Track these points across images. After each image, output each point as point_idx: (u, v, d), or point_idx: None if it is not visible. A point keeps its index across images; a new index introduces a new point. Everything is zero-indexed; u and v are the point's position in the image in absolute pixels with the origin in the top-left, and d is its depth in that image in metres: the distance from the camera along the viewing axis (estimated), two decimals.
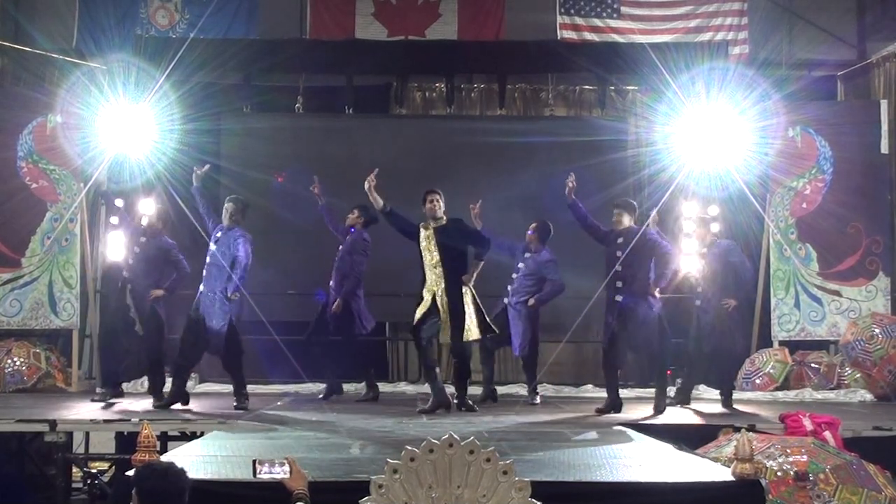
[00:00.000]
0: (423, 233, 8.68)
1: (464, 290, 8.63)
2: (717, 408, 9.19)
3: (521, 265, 9.62)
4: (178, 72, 10.14)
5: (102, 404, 8.88)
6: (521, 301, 9.52)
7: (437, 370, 8.86)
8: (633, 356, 9.28)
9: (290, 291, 11.17)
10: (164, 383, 9.07)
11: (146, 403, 8.95)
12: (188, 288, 9.13)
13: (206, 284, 8.74)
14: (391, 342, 12.12)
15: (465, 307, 8.61)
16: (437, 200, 8.69)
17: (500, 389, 10.15)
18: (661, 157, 11.09)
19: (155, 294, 8.92)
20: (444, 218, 8.72)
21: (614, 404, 8.85)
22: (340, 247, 9.65)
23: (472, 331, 8.64)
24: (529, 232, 9.68)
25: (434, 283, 8.58)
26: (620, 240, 8.78)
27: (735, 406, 9.29)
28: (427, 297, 8.58)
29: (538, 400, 9.62)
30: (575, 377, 11.38)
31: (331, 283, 9.59)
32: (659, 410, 8.80)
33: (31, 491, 9.41)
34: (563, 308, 10.16)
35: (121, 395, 9.24)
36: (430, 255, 8.61)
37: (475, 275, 8.80)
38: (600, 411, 8.76)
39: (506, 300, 9.62)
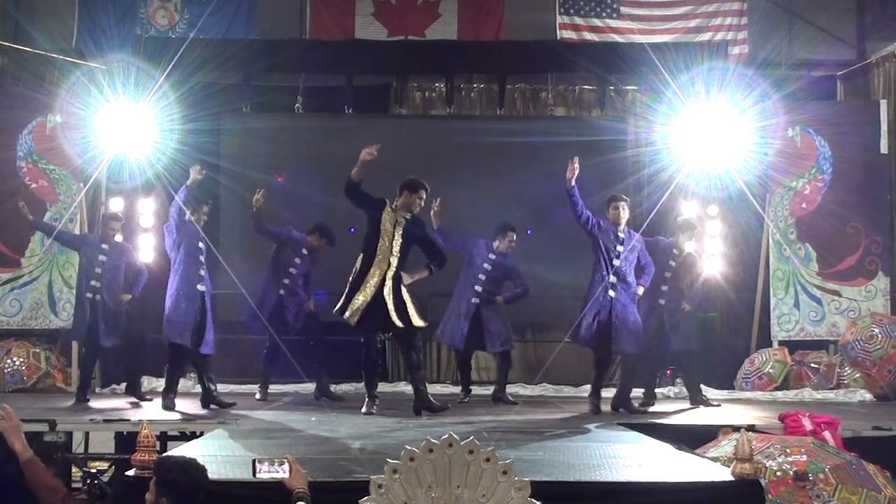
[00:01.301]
0: (388, 214, 8.28)
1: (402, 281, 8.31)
2: (717, 408, 9.18)
3: (486, 265, 9.54)
4: (177, 72, 10.15)
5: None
6: (491, 299, 9.51)
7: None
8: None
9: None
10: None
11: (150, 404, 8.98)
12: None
13: None
14: (391, 343, 12.10)
15: (405, 294, 8.28)
16: (421, 201, 8.38)
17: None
18: (660, 156, 11.11)
19: (124, 298, 9.20)
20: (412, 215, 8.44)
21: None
22: (298, 259, 9.60)
23: (415, 317, 8.26)
24: (513, 236, 9.59)
25: (385, 265, 8.16)
26: (628, 244, 8.71)
27: (734, 406, 9.28)
28: (372, 281, 8.13)
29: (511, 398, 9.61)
30: (575, 377, 11.37)
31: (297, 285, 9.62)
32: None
33: (31, 491, 9.40)
34: (564, 308, 10.16)
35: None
36: (392, 240, 8.21)
37: (412, 282, 8.48)
38: (644, 405, 8.89)
39: (474, 300, 9.52)
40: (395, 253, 8.22)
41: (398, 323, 8.12)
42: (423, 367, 8.62)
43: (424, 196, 8.39)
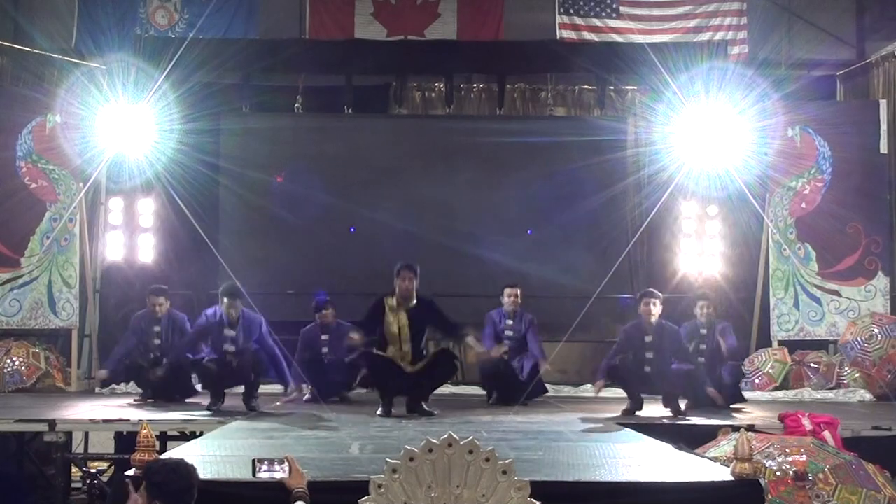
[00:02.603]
0: (390, 311, 8.26)
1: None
2: (717, 408, 9.16)
3: (508, 333, 9.52)
4: (177, 72, 10.14)
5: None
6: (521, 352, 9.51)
7: None
8: None
9: (289, 291, 11.17)
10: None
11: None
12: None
13: None
14: None
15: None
16: (413, 280, 8.28)
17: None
18: (660, 156, 11.11)
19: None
20: (415, 299, 8.34)
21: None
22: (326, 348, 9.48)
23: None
24: (513, 297, 9.53)
25: (399, 357, 8.27)
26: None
27: (734, 406, 9.25)
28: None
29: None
30: (575, 377, 11.38)
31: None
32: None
33: (31, 491, 9.41)
34: (564, 308, 10.16)
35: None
36: (399, 333, 8.24)
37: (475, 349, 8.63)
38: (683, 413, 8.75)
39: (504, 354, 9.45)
40: (402, 340, 8.25)
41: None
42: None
43: (410, 276, 8.26)
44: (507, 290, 9.59)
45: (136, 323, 9.40)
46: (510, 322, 9.55)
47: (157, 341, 9.25)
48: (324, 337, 9.53)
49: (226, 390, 8.68)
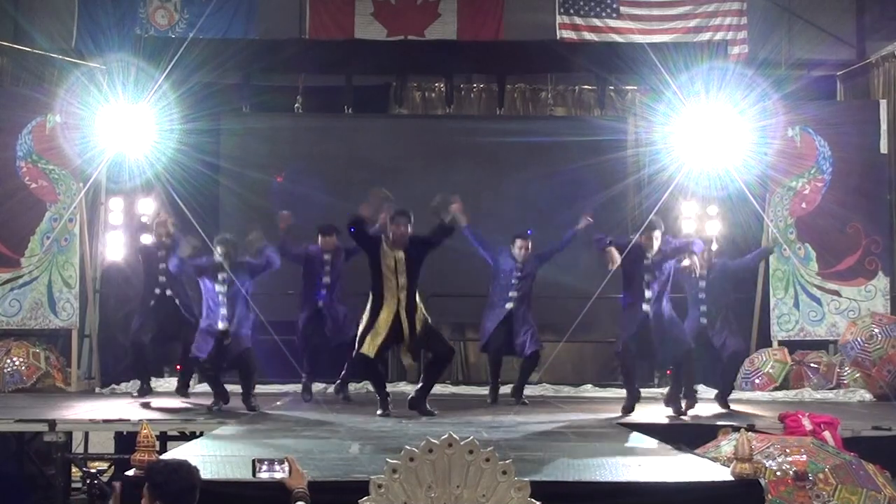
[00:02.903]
0: (387, 253, 8.28)
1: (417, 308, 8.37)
2: (716, 408, 9.17)
3: (515, 280, 9.50)
4: (177, 72, 10.14)
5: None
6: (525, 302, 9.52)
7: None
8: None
9: (289, 291, 11.15)
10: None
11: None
12: None
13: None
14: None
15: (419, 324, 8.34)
16: (408, 226, 8.29)
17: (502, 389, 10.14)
18: (660, 156, 11.11)
19: None
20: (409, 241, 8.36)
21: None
22: (325, 273, 9.54)
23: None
24: (522, 243, 9.54)
25: (394, 304, 8.23)
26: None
27: (734, 406, 9.26)
28: (384, 318, 8.21)
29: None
30: (575, 377, 11.38)
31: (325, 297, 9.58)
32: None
33: (31, 491, 9.42)
34: (564, 308, 10.16)
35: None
36: (395, 278, 8.24)
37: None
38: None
39: (508, 306, 9.50)
40: (399, 287, 8.24)
41: (409, 362, 8.46)
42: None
43: (405, 221, 8.29)
44: (519, 241, 9.50)
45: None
46: (519, 266, 9.49)
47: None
48: (326, 256, 9.57)
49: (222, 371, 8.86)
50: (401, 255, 8.27)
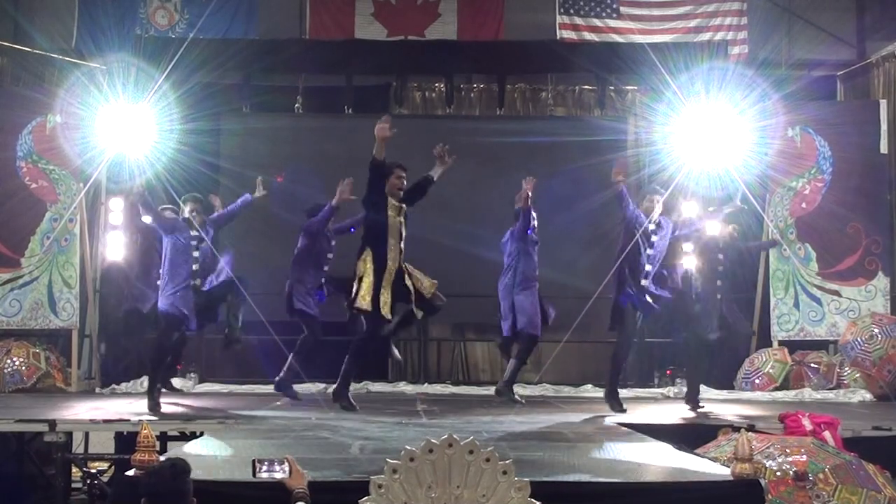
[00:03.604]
0: (394, 206, 8.29)
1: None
2: (717, 408, 9.17)
3: (509, 249, 9.54)
4: (177, 72, 10.14)
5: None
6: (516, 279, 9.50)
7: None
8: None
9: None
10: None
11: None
12: None
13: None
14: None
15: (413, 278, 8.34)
16: (404, 179, 8.40)
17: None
18: (660, 156, 11.10)
19: None
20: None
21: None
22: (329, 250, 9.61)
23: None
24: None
25: (398, 256, 8.23)
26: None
27: (734, 406, 9.27)
28: (389, 275, 8.14)
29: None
30: (575, 377, 11.38)
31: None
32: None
33: (31, 491, 9.42)
34: (564, 308, 10.16)
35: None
36: (399, 231, 8.27)
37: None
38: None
39: (504, 282, 9.47)
40: (402, 238, 8.29)
41: (417, 313, 8.37)
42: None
43: (403, 173, 8.40)
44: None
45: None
46: (505, 240, 9.50)
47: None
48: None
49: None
50: (403, 208, 8.33)
